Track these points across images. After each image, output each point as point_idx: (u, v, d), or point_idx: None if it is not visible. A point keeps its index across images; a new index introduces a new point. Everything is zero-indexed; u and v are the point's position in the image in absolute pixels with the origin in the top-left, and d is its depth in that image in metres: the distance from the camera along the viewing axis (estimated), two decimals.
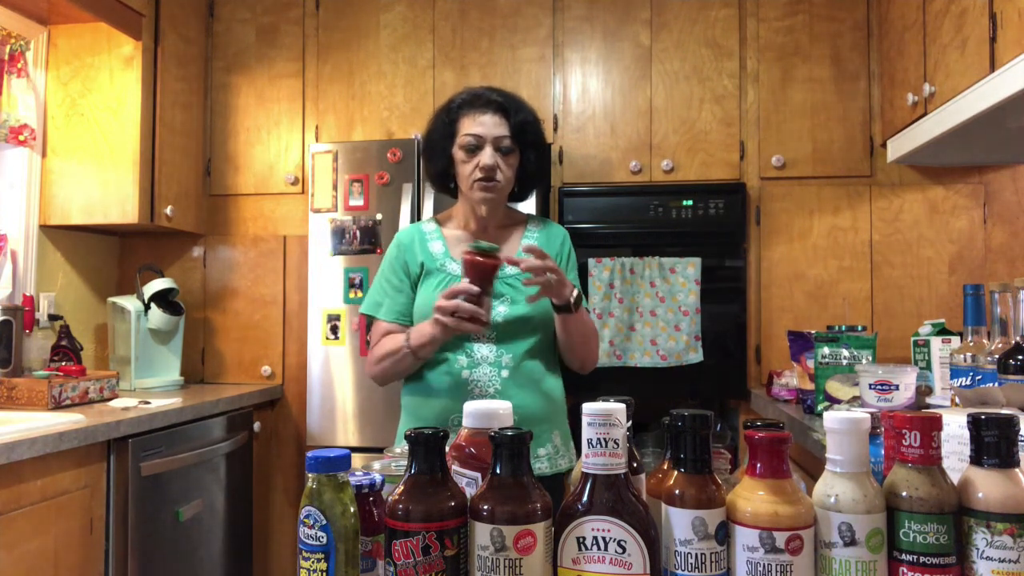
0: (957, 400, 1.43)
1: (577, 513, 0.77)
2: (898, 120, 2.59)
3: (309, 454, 0.79)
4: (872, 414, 0.89)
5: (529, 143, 1.71)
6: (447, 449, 0.84)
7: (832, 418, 0.79)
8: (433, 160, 1.74)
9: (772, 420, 0.91)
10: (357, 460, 2.39)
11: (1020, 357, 1.35)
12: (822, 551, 0.77)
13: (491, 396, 1.60)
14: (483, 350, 1.62)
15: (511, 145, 1.67)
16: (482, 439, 0.91)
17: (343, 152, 2.90)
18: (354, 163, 2.89)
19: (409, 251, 1.74)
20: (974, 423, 0.78)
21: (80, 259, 3.03)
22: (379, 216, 2.85)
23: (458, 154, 1.68)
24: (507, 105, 1.68)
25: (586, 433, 0.78)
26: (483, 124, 1.65)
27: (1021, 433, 0.82)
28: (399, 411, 1.75)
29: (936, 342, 2.15)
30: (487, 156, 1.64)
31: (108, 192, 2.79)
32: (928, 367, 2.16)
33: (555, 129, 2.99)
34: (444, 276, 1.68)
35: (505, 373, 1.63)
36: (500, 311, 1.64)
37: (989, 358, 1.49)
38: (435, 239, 1.75)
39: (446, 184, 1.76)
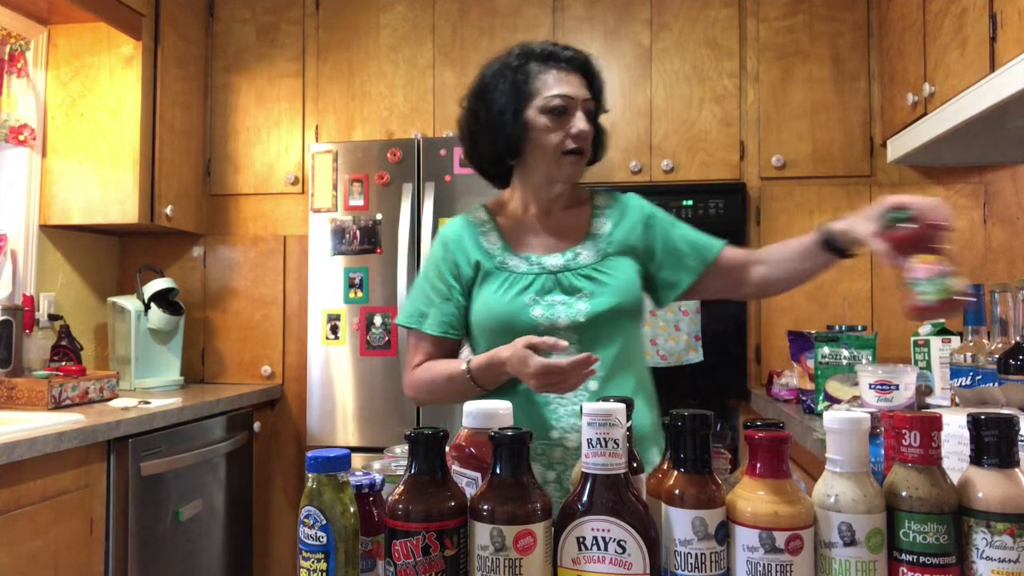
0: (957, 400, 1.43)
1: (577, 513, 0.77)
2: (898, 120, 2.59)
3: (309, 454, 0.79)
4: (872, 414, 0.89)
5: (601, 109, 1.47)
6: (447, 449, 0.84)
7: (832, 418, 0.79)
8: (500, 131, 1.39)
9: (772, 420, 0.91)
10: (357, 460, 2.39)
11: (1020, 357, 1.35)
12: (822, 551, 0.77)
13: (578, 415, 1.31)
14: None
15: (593, 110, 1.42)
16: (482, 439, 0.91)
17: (343, 152, 2.90)
18: (354, 163, 2.89)
19: (459, 250, 1.45)
20: (974, 423, 0.78)
21: (80, 259, 3.03)
22: (379, 216, 2.85)
23: (539, 120, 1.37)
24: (588, 65, 1.43)
25: (586, 433, 0.77)
26: (571, 84, 1.38)
27: (1021, 433, 0.82)
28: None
29: (936, 342, 2.15)
30: (581, 121, 1.37)
31: (108, 192, 2.79)
32: (928, 367, 2.16)
33: None
34: (506, 276, 1.40)
35: (594, 385, 1.34)
36: (580, 308, 1.36)
37: (989, 358, 1.49)
38: (489, 231, 1.46)
39: (505, 164, 1.46)
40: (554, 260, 1.41)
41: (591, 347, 1.33)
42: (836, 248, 1.31)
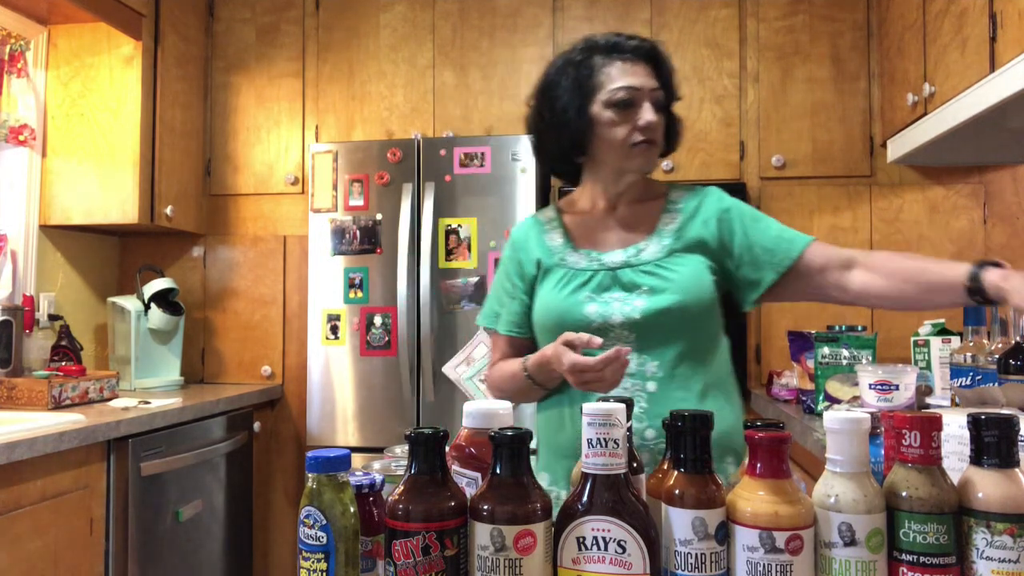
0: (957, 400, 1.43)
1: (577, 513, 0.77)
2: (898, 120, 2.59)
3: (309, 454, 0.79)
4: (872, 414, 0.89)
5: (673, 98, 1.41)
6: (447, 449, 0.84)
7: (832, 418, 0.79)
8: (565, 128, 1.36)
9: (772, 420, 0.91)
10: (357, 460, 2.39)
11: (1020, 357, 1.35)
12: (822, 551, 0.77)
13: (637, 417, 1.25)
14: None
15: (663, 101, 1.37)
16: (482, 439, 0.91)
17: (343, 152, 2.90)
18: (354, 163, 2.89)
19: (523, 249, 1.45)
20: (974, 423, 0.78)
21: (80, 259, 3.03)
22: (379, 216, 2.85)
23: (604, 114, 1.33)
24: (656, 53, 1.38)
25: (586, 433, 0.78)
26: (637, 74, 1.33)
27: (1021, 433, 0.82)
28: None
29: (936, 342, 2.15)
30: (648, 112, 1.32)
31: (108, 192, 2.79)
32: (928, 367, 2.16)
33: None
34: (564, 272, 1.38)
35: (652, 386, 1.30)
36: (637, 305, 1.31)
37: (989, 358, 1.49)
38: (554, 228, 1.44)
39: (573, 161, 1.43)
40: (615, 256, 1.37)
41: (649, 345, 1.30)
42: (982, 295, 1.19)
